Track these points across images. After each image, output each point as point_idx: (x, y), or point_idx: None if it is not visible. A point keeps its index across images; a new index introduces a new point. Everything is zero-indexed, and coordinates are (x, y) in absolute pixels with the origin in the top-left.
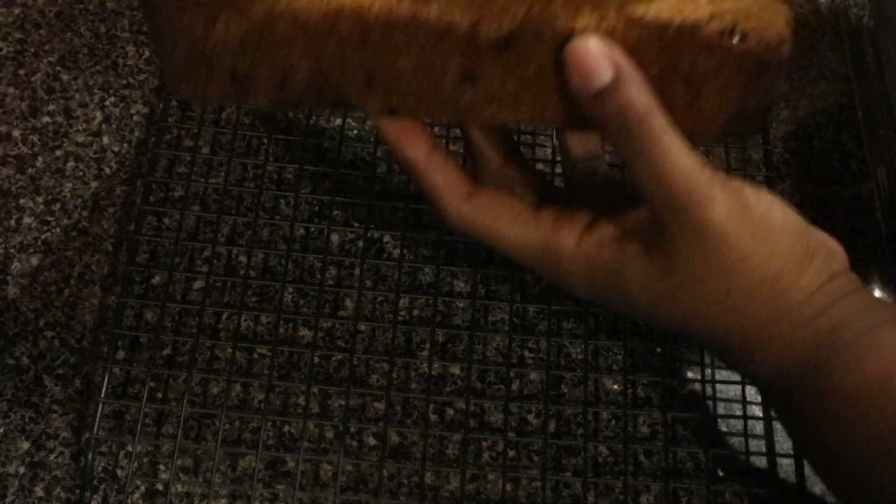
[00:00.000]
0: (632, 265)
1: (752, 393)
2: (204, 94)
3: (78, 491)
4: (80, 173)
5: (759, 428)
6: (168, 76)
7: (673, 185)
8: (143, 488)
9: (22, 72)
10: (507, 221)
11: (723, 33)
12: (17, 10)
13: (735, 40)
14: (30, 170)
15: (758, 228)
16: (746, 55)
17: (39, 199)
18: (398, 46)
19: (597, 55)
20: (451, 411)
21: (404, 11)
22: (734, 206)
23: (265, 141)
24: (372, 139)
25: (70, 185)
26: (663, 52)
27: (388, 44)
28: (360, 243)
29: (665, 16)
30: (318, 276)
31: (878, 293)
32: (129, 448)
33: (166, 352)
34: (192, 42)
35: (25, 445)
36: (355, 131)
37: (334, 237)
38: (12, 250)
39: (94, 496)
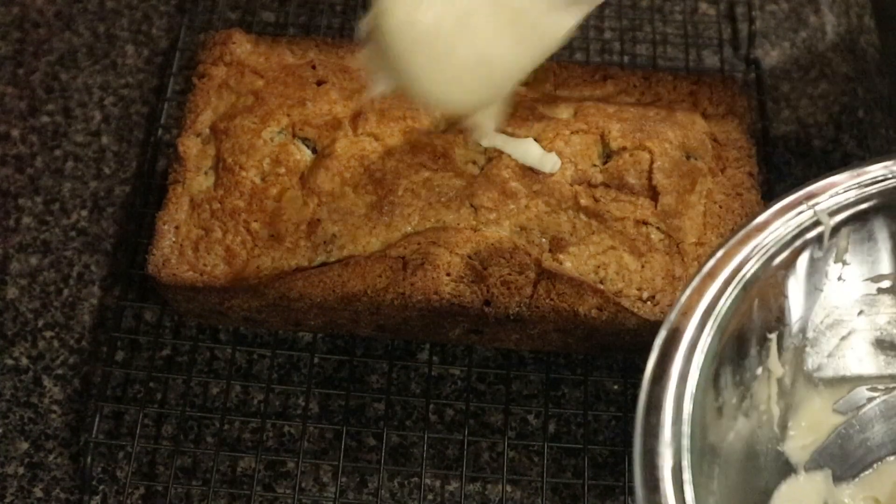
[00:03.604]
0: None
1: None
2: (214, 325)
3: (77, 492)
4: (80, 173)
5: None
6: (176, 306)
7: None
8: (142, 490)
9: (21, 71)
10: None
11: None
12: (15, 10)
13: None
14: (29, 169)
15: None
16: None
17: (38, 199)
18: (411, 317)
19: None
20: (450, 412)
21: (418, 297)
22: None
23: None
24: None
25: (69, 184)
26: None
27: (401, 315)
28: None
29: None
30: None
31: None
32: (129, 449)
33: (165, 353)
34: (206, 306)
35: (24, 446)
36: None
37: None
38: (11, 250)
39: (94, 497)
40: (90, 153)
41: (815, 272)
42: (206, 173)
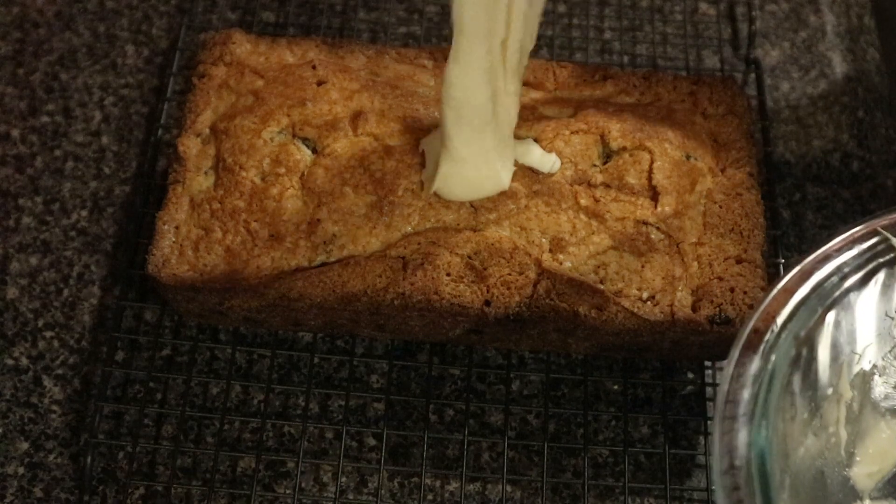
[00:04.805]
0: None
1: None
2: (214, 325)
3: (77, 492)
4: (80, 173)
5: None
6: (176, 306)
7: None
8: (142, 490)
9: (21, 71)
10: None
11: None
12: (15, 9)
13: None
14: (29, 169)
15: None
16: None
17: (38, 199)
18: (411, 317)
19: None
20: (450, 412)
21: (418, 297)
22: None
23: None
24: None
25: (69, 184)
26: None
27: (401, 315)
28: None
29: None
30: None
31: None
32: (129, 449)
33: (165, 353)
34: (206, 306)
35: (24, 446)
36: None
37: None
38: (11, 250)
39: (94, 497)
40: (90, 153)
41: (888, 299)
42: (206, 173)
